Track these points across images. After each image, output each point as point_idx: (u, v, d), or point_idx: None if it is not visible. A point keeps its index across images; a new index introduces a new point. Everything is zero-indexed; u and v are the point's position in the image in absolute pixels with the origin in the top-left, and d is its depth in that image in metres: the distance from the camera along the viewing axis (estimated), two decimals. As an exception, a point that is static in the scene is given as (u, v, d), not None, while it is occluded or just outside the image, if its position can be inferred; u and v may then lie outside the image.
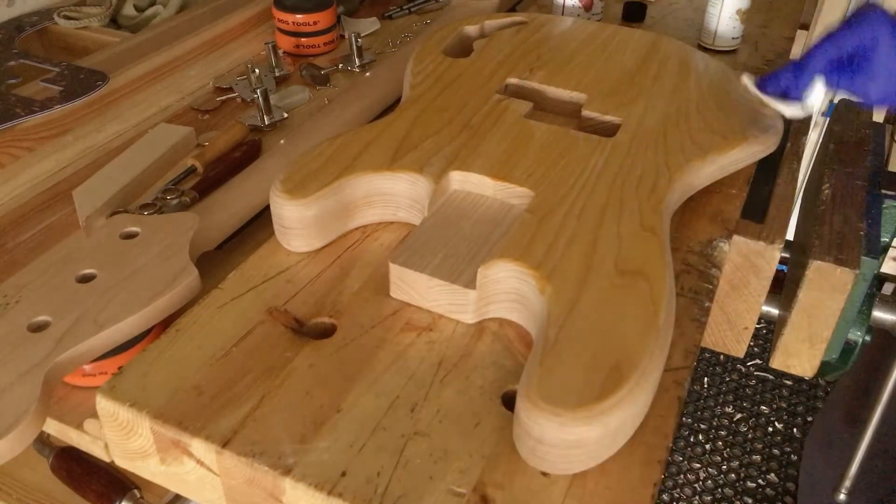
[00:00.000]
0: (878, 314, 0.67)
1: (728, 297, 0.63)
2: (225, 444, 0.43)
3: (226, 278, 0.54)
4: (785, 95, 0.63)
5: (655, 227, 0.53)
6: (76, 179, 0.69)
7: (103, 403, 0.45)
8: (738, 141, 0.63)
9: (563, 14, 0.97)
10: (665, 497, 1.54)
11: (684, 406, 1.70)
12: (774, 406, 1.73)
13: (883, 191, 0.70)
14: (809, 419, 1.69)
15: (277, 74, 0.88)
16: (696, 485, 1.57)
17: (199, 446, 0.43)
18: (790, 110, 0.63)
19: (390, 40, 0.97)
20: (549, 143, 0.62)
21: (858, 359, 0.68)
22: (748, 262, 0.61)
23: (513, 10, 1.07)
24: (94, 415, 0.47)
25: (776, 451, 1.63)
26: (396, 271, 0.52)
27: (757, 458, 1.62)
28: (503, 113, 0.66)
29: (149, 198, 0.65)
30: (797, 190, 0.68)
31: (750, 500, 1.54)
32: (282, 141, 0.74)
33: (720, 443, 1.65)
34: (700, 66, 0.75)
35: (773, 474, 1.59)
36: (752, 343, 1.88)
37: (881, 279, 0.68)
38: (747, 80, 0.65)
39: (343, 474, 0.41)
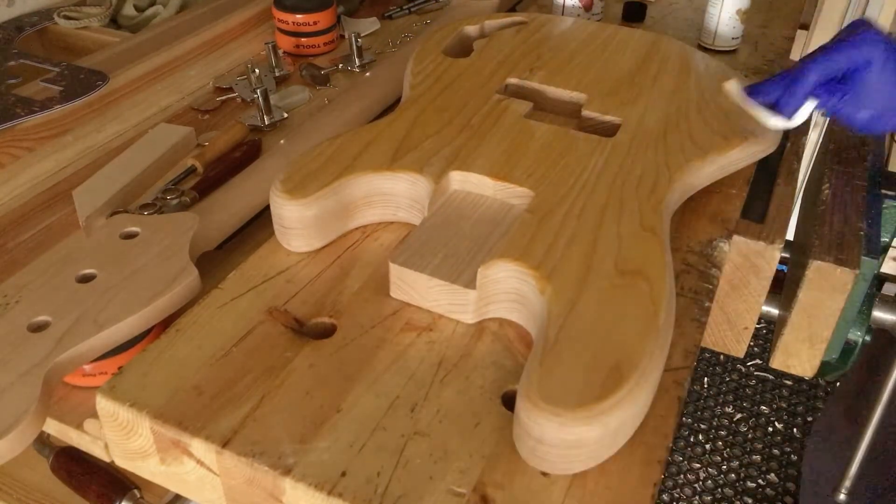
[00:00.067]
0: (878, 314, 0.67)
1: (728, 297, 0.63)
2: (225, 444, 0.43)
3: (226, 278, 0.54)
4: (772, 107, 0.62)
5: (655, 227, 0.53)
6: (76, 179, 0.69)
7: (103, 403, 0.45)
8: (738, 141, 0.63)
9: (563, 14, 0.97)
10: (665, 497, 1.54)
11: (684, 406, 1.70)
12: (774, 406, 1.73)
13: (883, 191, 0.70)
14: (809, 419, 1.69)
15: (277, 74, 0.88)
16: (696, 485, 1.57)
17: (199, 446, 0.43)
18: (774, 122, 0.62)
19: (390, 40, 0.97)
20: (549, 143, 0.62)
21: (858, 359, 0.68)
22: (748, 262, 0.61)
23: (513, 10, 1.07)
24: (94, 415, 0.47)
25: (776, 451, 1.63)
26: (396, 271, 0.52)
27: (757, 458, 1.62)
28: (503, 113, 0.66)
29: (149, 198, 0.65)
30: (797, 190, 0.68)
31: (750, 500, 1.54)
32: (282, 141, 0.74)
33: (720, 443, 1.65)
34: (700, 66, 0.75)
35: (773, 474, 1.59)
36: (752, 343, 1.88)
37: (881, 279, 0.68)
38: (732, 87, 0.64)
39: (343, 474, 0.41)
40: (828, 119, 0.82)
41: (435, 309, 0.52)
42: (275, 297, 0.53)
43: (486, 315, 0.52)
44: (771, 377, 1.79)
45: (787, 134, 0.73)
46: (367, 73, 0.87)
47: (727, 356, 1.84)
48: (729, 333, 0.65)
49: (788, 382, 1.78)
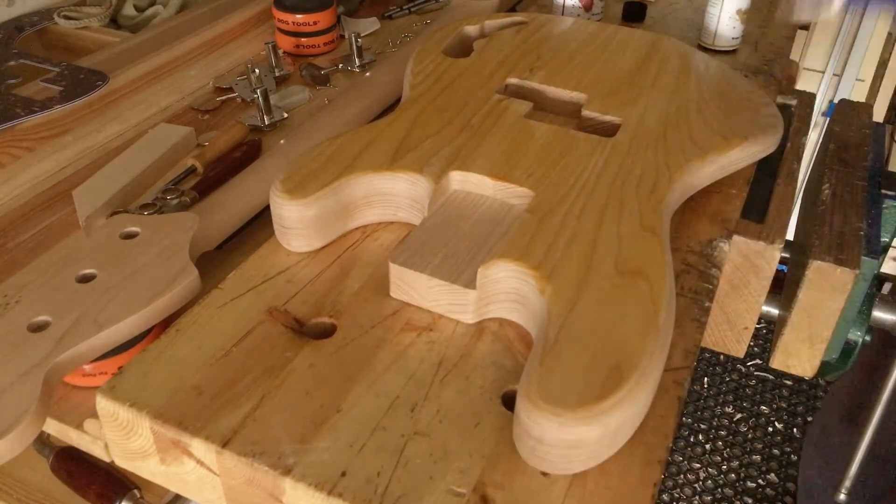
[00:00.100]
0: (878, 314, 0.67)
1: (728, 297, 0.63)
2: (225, 444, 0.43)
3: (226, 278, 0.54)
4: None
5: (655, 227, 0.53)
6: (76, 179, 0.69)
7: (103, 403, 0.45)
8: (738, 141, 0.63)
9: (563, 14, 0.97)
10: (665, 497, 1.54)
11: (684, 406, 1.70)
12: (774, 406, 1.73)
13: (883, 191, 0.70)
14: (809, 419, 1.69)
15: (277, 74, 0.88)
16: (696, 485, 1.57)
17: (199, 446, 0.43)
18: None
19: (390, 40, 0.97)
20: (549, 143, 0.62)
21: (858, 359, 0.68)
22: (748, 262, 0.61)
23: (513, 10, 1.07)
24: (94, 415, 0.47)
25: (776, 451, 1.63)
26: (396, 271, 0.52)
27: (757, 458, 1.62)
28: (503, 113, 0.66)
29: (149, 198, 0.65)
30: (797, 190, 0.68)
31: (750, 500, 1.54)
32: (282, 141, 0.74)
33: (720, 443, 1.65)
34: (700, 66, 0.75)
35: (773, 474, 1.59)
36: (752, 343, 1.88)
37: (881, 279, 0.68)
38: None
39: (343, 474, 0.41)
40: (828, 119, 0.82)
41: (435, 309, 0.52)
42: (275, 297, 0.53)
43: (486, 315, 0.52)
44: (771, 377, 1.79)
45: (787, 134, 0.73)
46: (367, 73, 0.87)
47: (727, 356, 1.84)
48: (729, 333, 0.65)
49: (788, 382, 1.78)
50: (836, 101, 1.68)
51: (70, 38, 1.01)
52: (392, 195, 0.59)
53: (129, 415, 0.45)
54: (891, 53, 1.76)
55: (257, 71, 0.83)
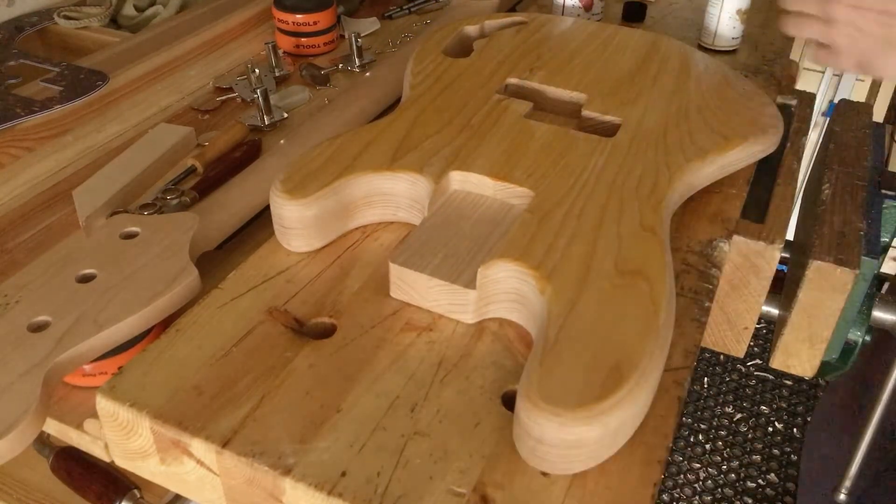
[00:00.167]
0: (878, 314, 0.67)
1: (728, 297, 0.63)
2: (225, 444, 0.43)
3: (226, 278, 0.54)
4: None
5: (655, 227, 0.53)
6: (76, 179, 0.69)
7: (103, 403, 0.45)
8: (738, 141, 0.63)
9: (563, 14, 0.97)
10: (665, 497, 1.54)
11: (684, 406, 1.70)
12: (774, 406, 1.73)
13: (883, 191, 0.70)
14: (809, 419, 1.69)
15: (277, 74, 0.88)
16: (696, 485, 1.57)
17: (199, 446, 0.43)
18: None
19: (390, 40, 0.97)
20: (549, 143, 0.62)
21: (858, 358, 0.68)
22: (748, 262, 0.61)
23: (513, 10, 1.07)
24: (94, 415, 0.47)
25: (776, 451, 1.63)
26: (396, 271, 0.52)
27: (757, 458, 1.62)
28: (503, 113, 0.66)
29: (149, 198, 0.65)
30: (797, 190, 0.68)
31: (750, 500, 1.54)
32: (282, 141, 0.74)
33: (720, 443, 1.65)
34: (700, 66, 0.75)
35: (773, 474, 1.59)
36: (752, 343, 1.88)
37: (881, 279, 0.69)
38: None
39: (343, 474, 0.41)
40: (828, 119, 0.82)
41: (435, 309, 0.52)
42: (275, 297, 0.53)
43: (486, 315, 0.52)
44: (771, 377, 1.79)
45: (787, 134, 0.72)
46: (367, 73, 0.87)
47: (727, 356, 1.84)
48: (729, 333, 0.65)
49: (788, 382, 1.79)
50: (836, 101, 1.68)
51: (70, 38, 1.01)
52: (392, 195, 0.59)
53: (129, 415, 0.45)
54: (891, 53, 1.76)
55: (257, 71, 0.83)
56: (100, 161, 0.72)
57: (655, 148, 0.62)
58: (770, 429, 1.68)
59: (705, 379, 1.80)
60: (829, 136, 0.76)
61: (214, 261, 0.60)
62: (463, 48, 0.80)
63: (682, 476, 1.58)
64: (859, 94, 1.81)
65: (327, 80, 0.87)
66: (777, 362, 0.65)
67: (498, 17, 0.86)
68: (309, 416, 0.44)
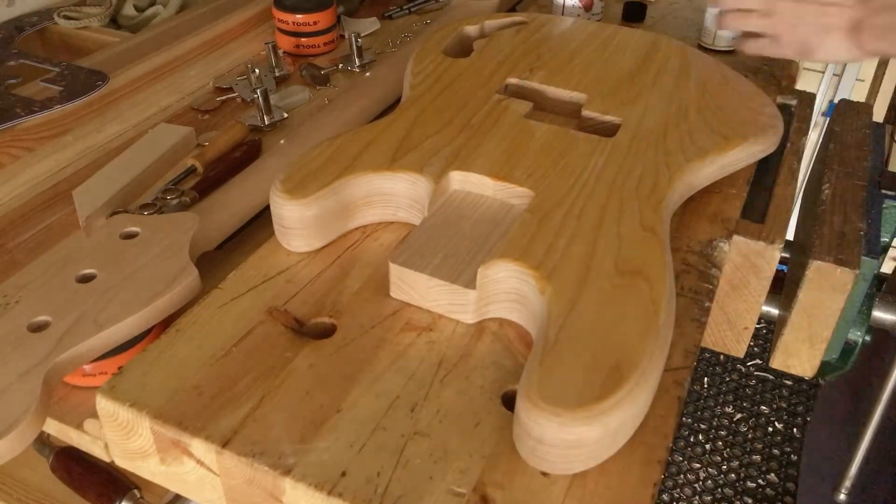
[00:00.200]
0: (878, 314, 0.67)
1: (728, 297, 0.63)
2: (225, 444, 0.43)
3: (226, 278, 0.54)
4: None
5: (655, 227, 0.53)
6: (76, 179, 0.69)
7: (103, 403, 0.45)
8: (738, 141, 0.63)
9: (563, 14, 0.97)
10: (665, 497, 1.54)
11: (684, 406, 1.70)
12: (774, 406, 1.73)
13: (883, 191, 0.70)
14: (809, 419, 1.69)
15: (277, 74, 0.88)
16: (696, 485, 1.57)
17: (199, 446, 0.43)
18: None
19: (390, 40, 0.97)
20: (549, 143, 0.62)
21: (857, 358, 0.68)
22: (748, 262, 0.61)
23: (513, 10, 1.07)
24: (94, 415, 0.47)
25: (776, 451, 1.63)
26: (396, 271, 0.52)
27: (757, 458, 1.62)
28: (503, 113, 0.66)
29: (149, 198, 0.65)
30: (797, 190, 0.68)
31: (750, 500, 1.54)
32: (282, 141, 0.74)
33: (720, 443, 1.65)
34: (700, 66, 0.75)
35: (773, 474, 1.59)
36: (752, 343, 1.88)
37: (881, 279, 0.69)
38: None
39: (343, 474, 0.41)
40: (828, 119, 0.83)
41: (435, 309, 0.52)
42: (275, 297, 0.53)
43: (486, 315, 0.52)
44: (771, 377, 1.79)
45: (787, 134, 0.73)
46: (367, 73, 0.87)
47: (727, 356, 1.84)
48: (729, 333, 0.65)
49: (788, 382, 1.79)
50: (836, 101, 1.68)
51: (70, 38, 1.01)
52: (392, 195, 0.59)
53: (129, 415, 0.45)
54: (891, 53, 1.76)
55: (257, 71, 0.83)
56: (100, 161, 0.72)
57: (655, 148, 0.62)
58: (770, 429, 1.68)
59: (705, 379, 1.80)
60: (829, 136, 0.76)
61: (214, 261, 0.60)
62: (463, 48, 0.80)
63: (682, 476, 1.58)
64: (859, 94, 1.81)
65: (327, 80, 0.87)
66: (777, 362, 0.65)
67: (498, 17, 0.86)
68: (309, 416, 0.44)
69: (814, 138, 1.84)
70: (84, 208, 0.61)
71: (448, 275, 0.51)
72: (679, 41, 0.80)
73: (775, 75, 0.86)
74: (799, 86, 0.88)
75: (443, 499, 0.40)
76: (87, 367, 0.51)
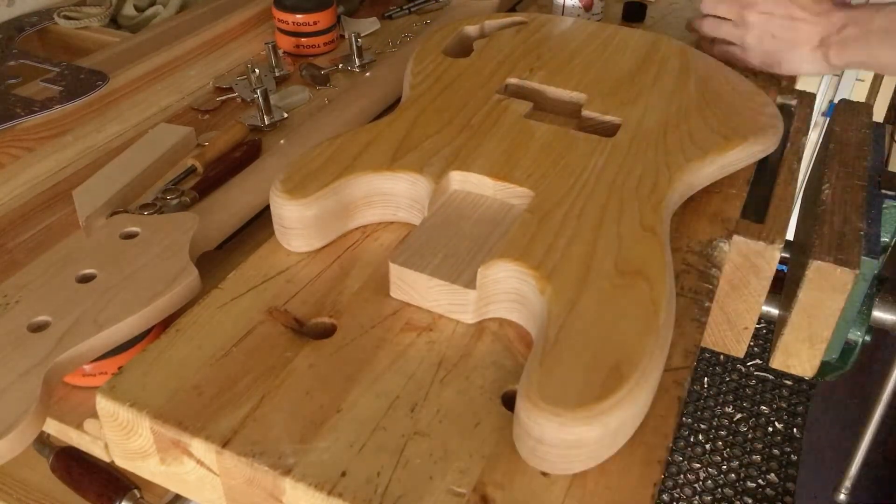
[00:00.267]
0: (878, 314, 0.67)
1: (728, 297, 0.63)
2: (225, 444, 0.43)
3: (226, 278, 0.54)
4: None
5: (655, 227, 0.53)
6: (76, 179, 0.69)
7: (103, 403, 0.45)
8: (738, 141, 0.63)
9: (563, 14, 0.97)
10: (665, 497, 1.54)
11: (684, 406, 1.70)
12: (774, 406, 1.73)
13: (883, 191, 0.70)
14: (809, 419, 1.69)
15: (277, 74, 0.88)
16: (696, 485, 1.57)
17: (199, 446, 0.43)
18: None
19: (390, 40, 0.97)
20: (549, 143, 0.62)
21: (857, 358, 0.68)
22: (748, 262, 0.61)
23: (513, 10, 1.07)
24: (94, 415, 0.47)
25: (776, 451, 1.63)
26: (396, 271, 0.52)
27: (757, 458, 1.62)
28: (503, 113, 0.66)
29: (149, 198, 0.65)
30: (797, 190, 0.68)
31: (750, 500, 1.54)
32: (282, 141, 0.74)
33: (720, 443, 1.65)
34: (700, 66, 0.75)
35: (773, 474, 1.59)
36: (752, 343, 1.88)
37: (881, 279, 0.69)
38: None
39: (343, 474, 0.41)
40: (828, 119, 0.83)
41: (435, 309, 0.52)
42: (275, 297, 0.53)
43: (486, 315, 0.52)
44: (771, 377, 1.79)
45: (787, 134, 0.73)
46: (367, 73, 0.87)
47: (727, 356, 1.84)
48: (729, 333, 0.65)
49: (788, 382, 1.79)
50: (836, 101, 1.68)
51: (70, 38, 1.01)
52: (392, 195, 0.59)
53: (129, 415, 0.45)
54: (891, 53, 1.76)
55: (257, 71, 0.83)
56: (100, 161, 0.72)
57: (655, 148, 0.62)
58: (770, 429, 1.68)
59: (705, 379, 1.80)
60: (829, 136, 0.76)
61: (214, 261, 0.60)
62: (463, 48, 0.80)
63: (682, 476, 1.58)
64: (859, 94, 1.81)
65: (327, 80, 0.87)
66: (777, 362, 0.65)
67: (498, 17, 0.86)
68: (309, 416, 0.44)
69: (814, 138, 1.84)
70: (84, 208, 0.61)
71: (448, 275, 0.51)
72: (679, 41, 0.80)
73: (775, 75, 0.86)
74: (799, 86, 0.88)
75: (443, 499, 0.40)
76: (87, 367, 0.51)
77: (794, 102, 0.82)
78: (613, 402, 0.41)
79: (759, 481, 1.57)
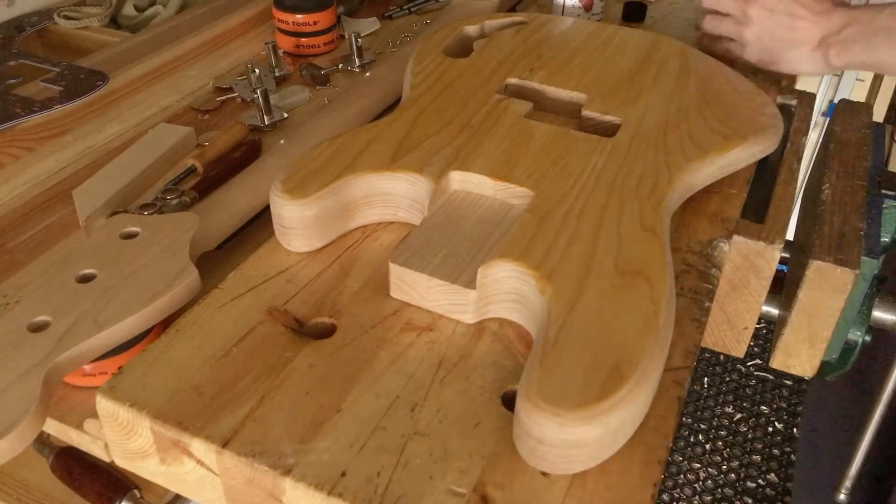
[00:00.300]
0: (878, 314, 0.67)
1: (728, 297, 0.63)
2: (225, 444, 0.43)
3: (226, 278, 0.54)
4: None
5: (655, 227, 0.53)
6: (76, 179, 0.69)
7: (103, 403, 0.45)
8: (738, 141, 0.63)
9: (563, 14, 0.97)
10: (665, 497, 1.54)
11: (684, 406, 1.70)
12: (774, 406, 1.73)
13: (883, 191, 0.70)
14: (808, 419, 1.69)
15: (277, 74, 0.88)
16: (696, 485, 1.57)
17: (199, 446, 0.43)
18: None
19: (390, 40, 0.97)
20: (549, 143, 0.62)
21: (857, 358, 0.68)
22: (748, 262, 0.61)
23: (513, 10, 1.07)
24: (94, 415, 0.47)
25: (776, 451, 1.63)
26: (396, 271, 0.52)
27: (757, 458, 1.62)
28: (503, 113, 0.66)
29: (149, 198, 0.65)
30: (797, 190, 0.68)
31: (750, 500, 1.54)
32: (282, 141, 0.74)
33: (720, 443, 1.65)
34: (700, 66, 0.75)
35: (773, 474, 1.59)
36: (752, 343, 1.88)
37: (881, 279, 0.69)
38: None
39: (343, 474, 0.41)
40: (828, 119, 0.83)
41: (435, 309, 0.52)
42: (275, 297, 0.53)
43: (486, 315, 0.52)
44: (771, 377, 1.79)
45: (787, 134, 0.73)
46: (367, 73, 0.87)
47: (727, 356, 1.84)
48: (729, 333, 0.65)
49: (788, 382, 1.79)
50: (836, 101, 1.68)
51: (70, 38, 1.01)
52: (392, 195, 0.59)
53: (129, 415, 0.45)
54: (891, 53, 1.76)
55: (257, 71, 0.83)
56: (100, 161, 0.72)
57: (655, 148, 0.62)
58: (770, 429, 1.68)
59: (705, 379, 1.80)
60: (829, 136, 0.76)
61: (214, 261, 0.60)
62: (463, 48, 0.80)
63: (682, 476, 1.58)
64: (859, 94, 1.81)
65: (327, 80, 0.87)
66: (777, 362, 0.65)
67: (498, 17, 0.86)
68: (309, 416, 0.44)
69: (814, 138, 1.84)
70: (84, 208, 0.61)
71: (448, 275, 0.51)
72: (679, 41, 0.80)
73: (775, 75, 0.86)
74: (799, 86, 0.88)
75: (443, 499, 0.40)
76: (87, 367, 0.51)
77: (794, 102, 0.82)
78: (613, 402, 0.41)
79: (759, 481, 1.57)
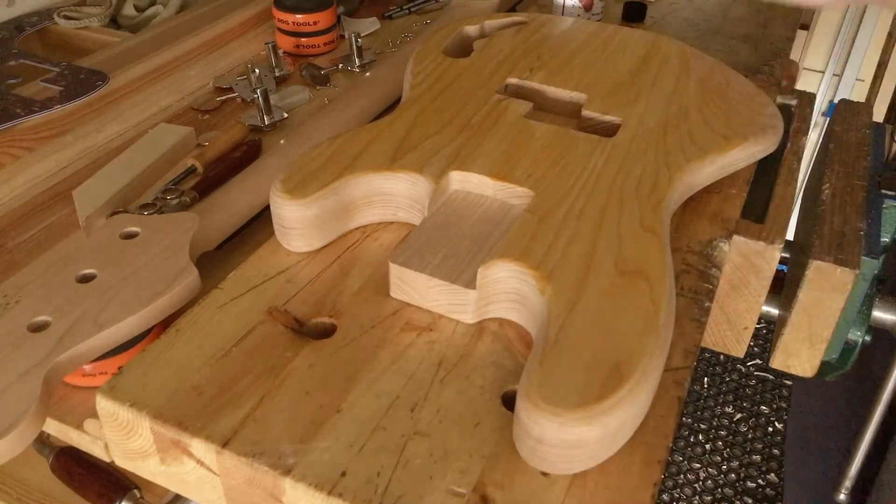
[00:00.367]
0: (878, 314, 0.67)
1: (728, 297, 0.63)
2: (225, 444, 0.43)
3: (226, 278, 0.54)
4: None
5: (655, 227, 0.53)
6: (76, 179, 0.69)
7: (103, 403, 0.45)
8: (738, 141, 0.63)
9: (563, 14, 0.97)
10: (665, 497, 1.54)
11: (684, 406, 1.70)
12: (774, 406, 1.73)
13: (883, 191, 0.70)
14: (809, 420, 1.69)
15: (277, 74, 0.88)
16: (696, 485, 1.57)
17: (199, 446, 0.43)
18: None
19: (390, 40, 0.97)
20: (549, 143, 0.62)
21: (857, 358, 0.68)
22: (748, 262, 0.61)
23: (513, 10, 1.07)
24: (94, 415, 0.47)
25: (776, 451, 1.63)
26: (396, 271, 0.52)
27: (757, 458, 1.62)
28: (503, 113, 0.66)
29: (149, 198, 0.65)
30: (797, 190, 0.68)
31: (750, 500, 1.54)
32: (282, 141, 0.74)
33: (720, 443, 1.65)
34: (700, 66, 0.75)
35: (773, 474, 1.59)
36: (752, 343, 1.88)
37: (881, 279, 0.69)
38: None
39: (343, 474, 0.41)
40: (828, 119, 0.83)
41: (435, 309, 0.52)
42: (275, 297, 0.53)
43: (486, 315, 0.52)
44: (771, 377, 1.79)
45: (787, 134, 0.73)
46: (367, 73, 0.87)
47: (727, 356, 1.84)
48: (729, 333, 0.65)
49: (788, 382, 1.78)
50: (836, 101, 1.68)
51: (70, 38, 1.01)
52: (392, 195, 0.59)
53: (129, 415, 0.45)
54: (890, 53, 1.76)
55: (257, 71, 0.83)
56: (100, 161, 0.72)
57: (655, 148, 0.62)
58: (770, 429, 1.68)
59: (705, 379, 1.80)
60: (829, 136, 0.76)
61: (214, 261, 0.60)
62: (463, 48, 0.80)
63: (682, 476, 1.58)
64: (859, 94, 1.82)
65: (327, 80, 0.87)
66: (777, 362, 0.65)
67: (498, 17, 0.86)
68: (309, 416, 0.44)
69: (814, 138, 1.84)
70: (84, 208, 0.61)
71: (448, 275, 0.51)
72: (679, 41, 0.80)
73: (775, 75, 0.86)
74: (799, 86, 0.88)
75: (443, 499, 0.40)
76: (87, 367, 0.51)
77: (794, 102, 0.82)
78: (613, 402, 0.41)
79: (759, 481, 1.57)
